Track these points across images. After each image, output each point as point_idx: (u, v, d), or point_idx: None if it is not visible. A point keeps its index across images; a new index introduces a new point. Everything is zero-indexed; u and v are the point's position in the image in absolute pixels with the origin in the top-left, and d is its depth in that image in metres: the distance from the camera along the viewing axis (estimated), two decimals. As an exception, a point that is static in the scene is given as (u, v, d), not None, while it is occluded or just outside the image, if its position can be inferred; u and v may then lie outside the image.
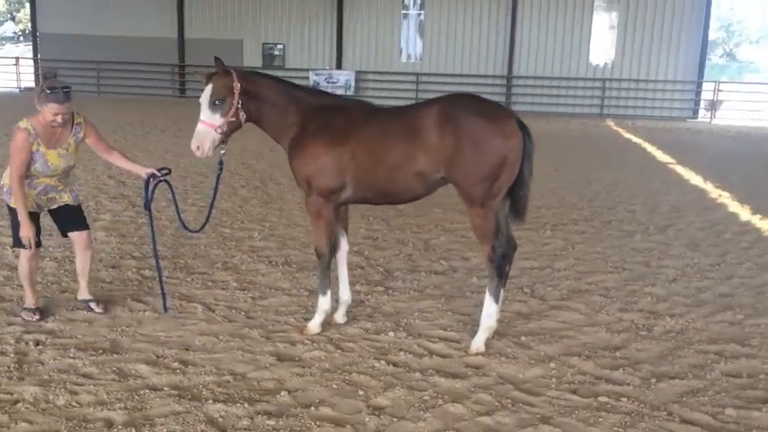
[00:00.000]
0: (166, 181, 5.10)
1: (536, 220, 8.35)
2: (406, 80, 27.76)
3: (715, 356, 4.59)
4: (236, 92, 4.43)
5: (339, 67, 28.37)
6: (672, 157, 15.23)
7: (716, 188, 11.30)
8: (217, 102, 4.42)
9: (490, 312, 4.58)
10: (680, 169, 13.46)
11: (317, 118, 4.59)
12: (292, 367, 4.28)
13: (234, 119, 4.50)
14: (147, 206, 5.01)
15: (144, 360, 4.31)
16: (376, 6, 28.17)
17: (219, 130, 4.46)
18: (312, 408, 3.78)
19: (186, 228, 5.39)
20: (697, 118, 26.70)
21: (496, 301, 4.59)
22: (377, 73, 28.00)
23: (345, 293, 5.05)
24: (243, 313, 5.18)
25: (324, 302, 4.84)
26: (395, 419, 3.69)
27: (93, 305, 5.10)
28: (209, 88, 4.42)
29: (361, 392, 3.98)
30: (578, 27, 26.71)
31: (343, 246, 5.00)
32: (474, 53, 27.52)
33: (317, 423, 3.62)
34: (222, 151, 4.64)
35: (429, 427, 3.63)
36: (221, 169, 4.88)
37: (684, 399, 3.98)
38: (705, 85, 27.27)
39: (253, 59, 29.30)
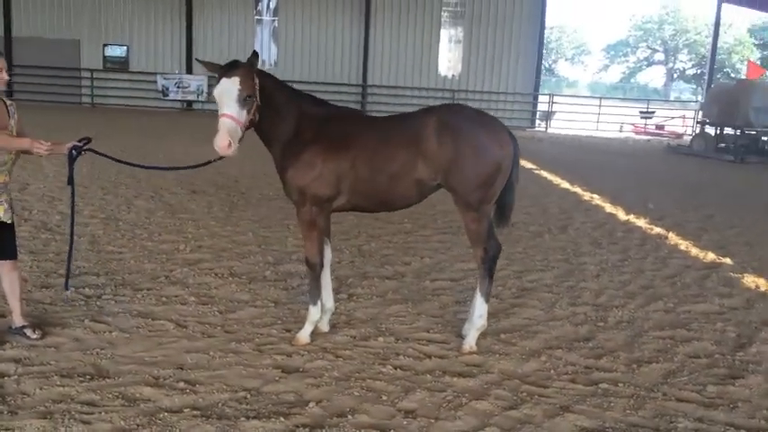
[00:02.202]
0: (91, 149, 4.64)
1: (449, 225, 8.72)
2: (260, 87, 27.31)
3: (671, 341, 5.13)
4: (257, 89, 4.26)
5: (189, 71, 27.35)
6: (533, 163, 16.45)
7: (585, 191, 12.41)
8: (248, 97, 4.18)
9: (482, 312, 4.78)
10: (546, 174, 14.60)
11: (312, 127, 4.53)
12: (304, 378, 4.20)
13: (253, 117, 4.30)
14: (71, 181, 4.61)
15: (143, 382, 4.02)
16: (227, 11, 27.55)
17: (242, 128, 4.24)
18: (349, 416, 3.76)
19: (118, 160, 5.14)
20: (534, 127, 29.01)
21: (487, 300, 4.80)
22: (230, 79, 27.27)
23: (329, 302, 5.02)
24: (219, 328, 4.97)
25: (315, 312, 4.78)
26: (432, 420, 3.77)
27: (28, 332, 4.58)
28: (235, 81, 4.13)
29: (384, 398, 4.01)
30: (427, 40, 27.98)
31: (327, 254, 4.96)
32: (329, 61, 27.83)
33: None
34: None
35: (467, 425, 3.75)
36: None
37: (669, 380, 4.44)
38: (540, 98, 29.76)
39: (92, 61, 27.47)
